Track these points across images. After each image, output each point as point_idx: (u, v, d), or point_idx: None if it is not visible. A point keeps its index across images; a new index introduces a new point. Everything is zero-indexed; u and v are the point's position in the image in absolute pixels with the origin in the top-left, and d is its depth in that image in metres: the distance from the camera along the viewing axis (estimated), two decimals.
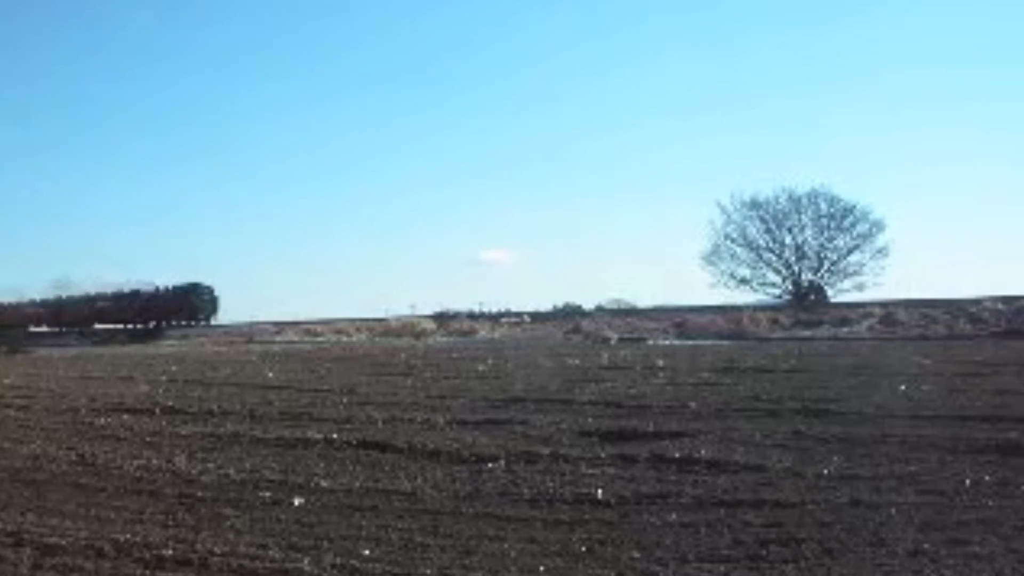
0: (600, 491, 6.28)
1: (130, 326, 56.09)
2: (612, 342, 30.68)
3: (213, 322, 55.48)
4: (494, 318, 44.19)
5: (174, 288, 55.93)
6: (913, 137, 73.84)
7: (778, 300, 46.37)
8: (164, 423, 10.59)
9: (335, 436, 8.99)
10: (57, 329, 60.21)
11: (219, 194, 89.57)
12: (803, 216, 47.73)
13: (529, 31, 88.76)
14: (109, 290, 59.89)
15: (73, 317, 59.77)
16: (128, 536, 5.43)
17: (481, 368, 18.00)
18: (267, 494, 6.60)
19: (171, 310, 55.01)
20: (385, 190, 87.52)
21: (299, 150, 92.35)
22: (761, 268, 48.43)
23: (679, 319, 36.63)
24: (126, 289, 58.96)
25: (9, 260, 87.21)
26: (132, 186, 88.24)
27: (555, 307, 46.92)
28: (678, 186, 78.66)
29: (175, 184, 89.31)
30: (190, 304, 54.47)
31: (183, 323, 54.31)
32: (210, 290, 55.90)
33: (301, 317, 55.76)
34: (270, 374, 17.97)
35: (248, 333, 47.48)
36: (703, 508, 5.81)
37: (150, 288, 57.51)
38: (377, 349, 28.95)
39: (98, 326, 58.27)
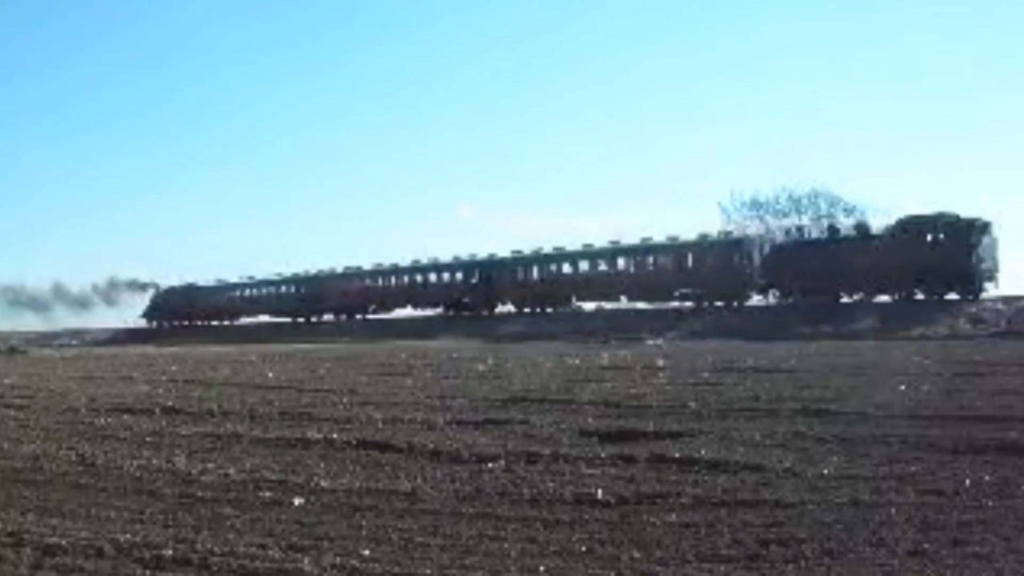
0: (600, 491, 6.27)
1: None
2: (612, 342, 30.64)
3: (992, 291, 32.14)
4: None
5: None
6: (914, 137, 73.87)
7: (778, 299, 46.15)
8: (164, 423, 10.58)
9: (335, 436, 8.99)
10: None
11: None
12: (803, 216, 47.71)
13: (528, 27, 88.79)
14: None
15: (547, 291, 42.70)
16: (128, 536, 5.43)
17: (481, 368, 17.98)
18: (267, 494, 6.59)
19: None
20: (378, 187, 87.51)
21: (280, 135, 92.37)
22: None
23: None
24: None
25: None
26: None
27: None
28: (679, 186, 78.69)
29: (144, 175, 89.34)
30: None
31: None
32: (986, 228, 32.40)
33: None
34: (270, 374, 17.96)
35: None
36: (703, 508, 5.81)
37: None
38: (377, 348, 28.92)
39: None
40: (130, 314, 60.33)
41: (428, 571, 4.68)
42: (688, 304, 38.58)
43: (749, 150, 78.27)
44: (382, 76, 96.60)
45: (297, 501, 6.32)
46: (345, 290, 51.33)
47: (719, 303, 37.72)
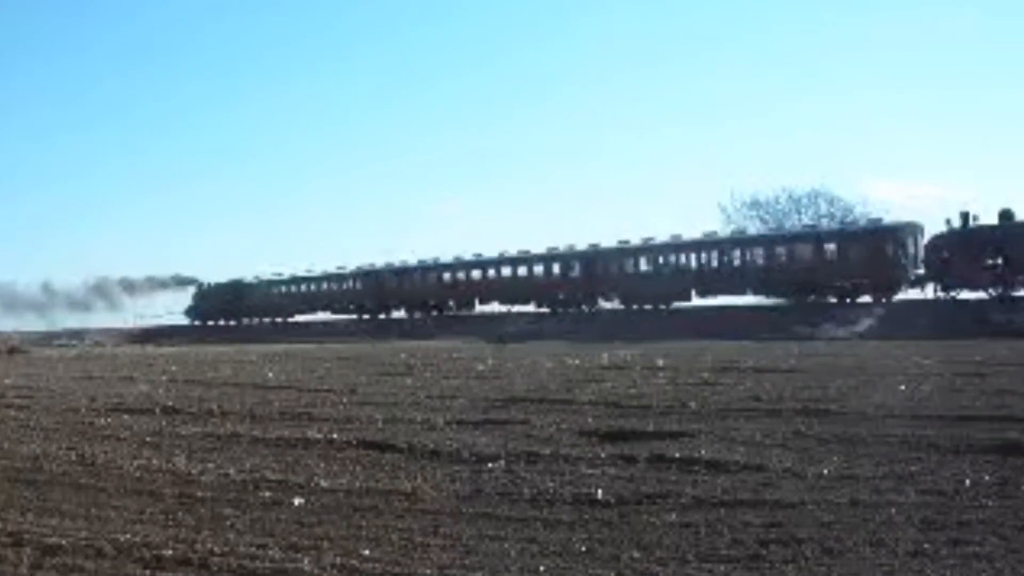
0: (600, 491, 6.27)
1: None
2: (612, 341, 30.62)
3: None
4: None
5: None
6: (914, 136, 73.88)
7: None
8: (164, 423, 10.59)
9: (335, 436, 8.99)
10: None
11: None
12: (803, 216, 47.74)
13: (526, 26, 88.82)
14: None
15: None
16: (128, 536, 5.43)
17: (481, 368, 17.98)
18: (267, 494, 6.60)
19: None
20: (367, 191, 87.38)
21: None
22: None
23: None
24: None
25: None
26: None
27: None
28: (678, 186, 78.71)
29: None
30: None
31: None
32: None
33: None
34: (270, 374, 17.96)
35: None
36: (703, 508, 5.81)
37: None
38: (377, 348, 28.90)
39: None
40: (131, 315, 57.46)
41: (428, 571, 4.68)
42: (831, 300, 34.66)
43: (749, 150, 78.29)
44: (376, 75, 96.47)
45: (297, 501, 6.33)
46: (423, 284, 47.74)
47: (867, 298, 33.84)
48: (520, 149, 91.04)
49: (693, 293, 38.66)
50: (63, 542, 5.35)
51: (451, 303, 46.99)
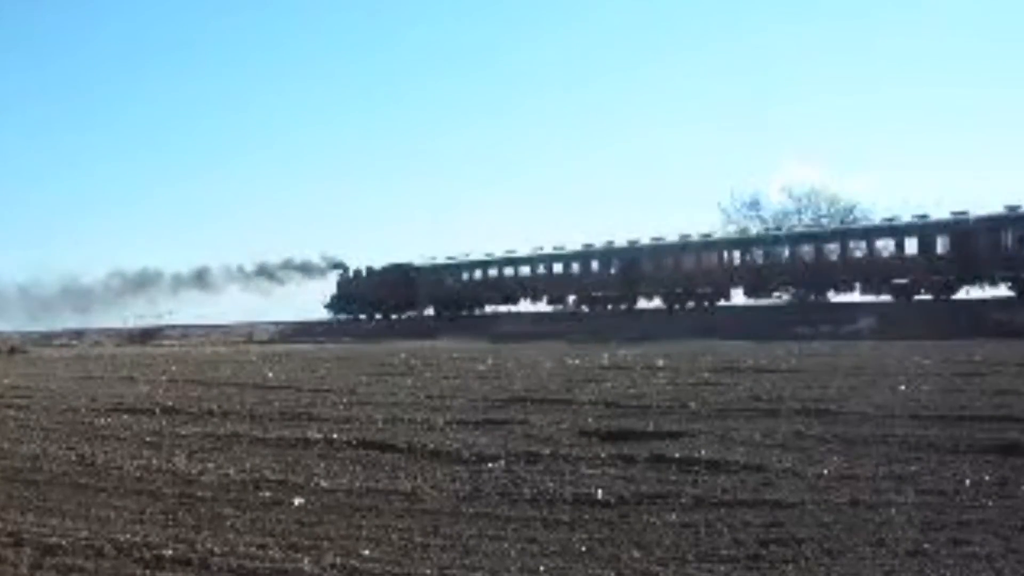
0: (600, 491, 6.28)
1: None
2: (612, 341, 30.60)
3: None
4: None
5: None
6: (913, 137, 73.92)
7: (778, 299, 46.01)
8: (164, 423, 10.59)
9: (335, 436, 8.99)
10: None
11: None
12: (803, 216, 47.71)
13: (527, 24, 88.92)
14: None
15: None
16: (128, 536, 5.44)
17: (481, 368, 17.98)
18: (267, 494, 6.60)
19: None
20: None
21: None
22: None
23: None
24: None
25: None
26: None
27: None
28: (678, 186, 78.75)
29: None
30: None
31: None
32: None
33: None
34: (270, 374, 17.96)
35: None
36: (703, 508, 5.81)
37: None
38: (377, 348, 28.90)
39: None
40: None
41: (428, 571, 4.68)
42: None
43: (749, 150, 78.25)
44: (370, 76, 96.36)
45: (297, 501, 6.33)
46: (697, 265, 37.26)
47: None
48: (518, 149, 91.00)
49: None
50: (63, 542, 5.35)
51: (734, 290, 36.49)
